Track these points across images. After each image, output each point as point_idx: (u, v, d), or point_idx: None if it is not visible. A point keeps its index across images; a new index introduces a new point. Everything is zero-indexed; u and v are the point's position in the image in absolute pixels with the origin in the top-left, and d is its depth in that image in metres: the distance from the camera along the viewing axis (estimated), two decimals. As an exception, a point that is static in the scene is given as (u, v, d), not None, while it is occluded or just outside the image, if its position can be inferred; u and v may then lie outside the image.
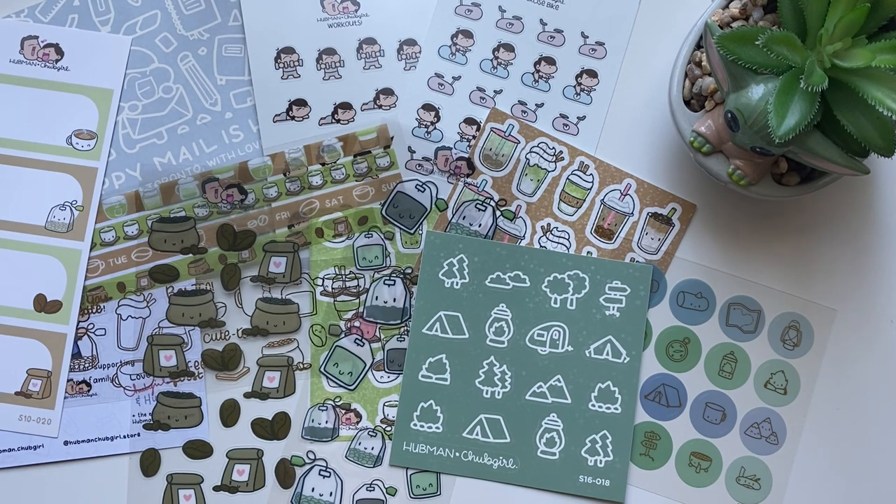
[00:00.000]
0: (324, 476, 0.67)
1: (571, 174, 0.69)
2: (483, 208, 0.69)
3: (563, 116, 0.70)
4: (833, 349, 0.68)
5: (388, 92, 0.70)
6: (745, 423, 0.68)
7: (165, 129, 0.69)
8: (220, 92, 0.69)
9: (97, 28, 0.70)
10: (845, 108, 0.55)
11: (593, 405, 0.67)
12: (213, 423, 0.67)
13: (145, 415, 0.67)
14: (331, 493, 0.67)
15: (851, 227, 0.69)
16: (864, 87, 0.53)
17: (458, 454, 0.67)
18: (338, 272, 0.68)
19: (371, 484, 0.67)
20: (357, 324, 0.68)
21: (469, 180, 0.69)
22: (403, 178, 0.69)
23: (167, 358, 0.67)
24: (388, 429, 0.67)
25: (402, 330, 0.68)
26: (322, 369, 0.68)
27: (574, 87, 0.70)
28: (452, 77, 0.70)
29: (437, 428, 0.67)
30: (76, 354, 0.67)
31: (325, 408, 0.67)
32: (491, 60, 0.70)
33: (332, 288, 0.68)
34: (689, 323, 0.68)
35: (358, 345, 0.68)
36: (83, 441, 0.66)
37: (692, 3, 0.69)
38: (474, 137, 0.69)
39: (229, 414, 0.67)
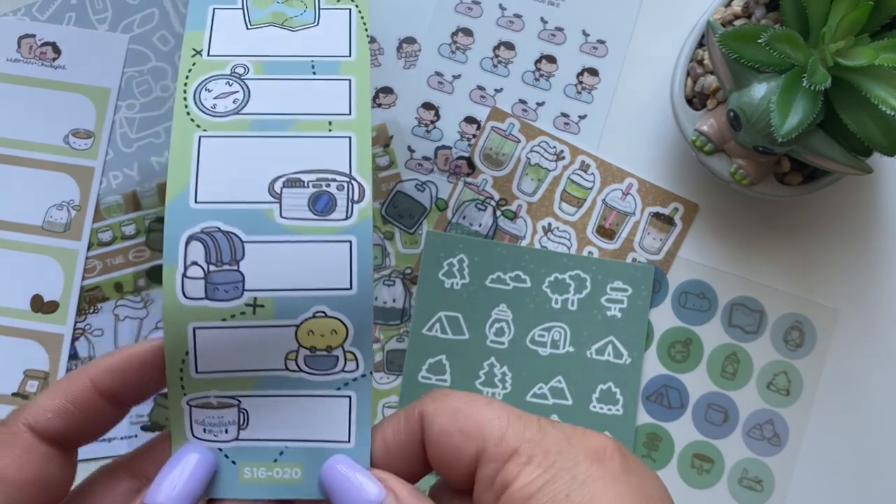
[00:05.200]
0: (323, 478, 0.66)
1: (572, 173, 0.69)
2: (483, 208, 0.68)
3: (564, 115, 0.69)
4: (836, 350, 0.68)
5: (387, 90, 0.69)
6: (747, 424, 0.67)
7: (163, 127, 0.69)
8: (218, 91, 0.69)
9: (94, 26, 0.69)
10: (848, 107, 0.55)
11: (594, 406, 0.66)
12: (211, 425, 0.67)
13: (143, 416, 0.66)
14: (330, 495, 0.66)
15: (854, 227, 0.68)
16: (867, 85, 0.52)
17: (458, 456, 0.66)
18: (337, 272, 0.68)
19: (370, 485, 0.66)
20: (356, 324, 0.68)
21: (469, 180, 0.69)
22: (403, 177, 0.69)
23: (165, 359, 0.67)
24: (388, 430, 0.67)
25: (401, 330, 0.68)
26: (321, 370, 0.67)
27: (575, 85, 0.69)
28: (452, 75, 0.69)
29: (437, 429, 0.66)
30: (73, 355, 0.67)
31: (324, 409, 0.67)
32: (491, 59, 0.69)
33: (331, 288, 0.68)
34: (691, 323, 0.68)
35: (357, 345, 0.67)
36: (81, 442, 0.66)
37: (694, 1, 0.68)
38: (474, 136, 0.69)
39: (228, 415, 0.67)
